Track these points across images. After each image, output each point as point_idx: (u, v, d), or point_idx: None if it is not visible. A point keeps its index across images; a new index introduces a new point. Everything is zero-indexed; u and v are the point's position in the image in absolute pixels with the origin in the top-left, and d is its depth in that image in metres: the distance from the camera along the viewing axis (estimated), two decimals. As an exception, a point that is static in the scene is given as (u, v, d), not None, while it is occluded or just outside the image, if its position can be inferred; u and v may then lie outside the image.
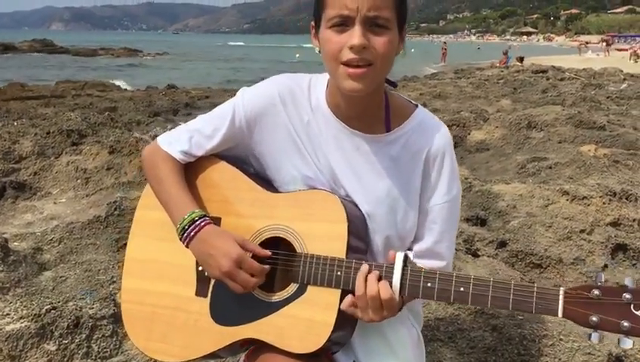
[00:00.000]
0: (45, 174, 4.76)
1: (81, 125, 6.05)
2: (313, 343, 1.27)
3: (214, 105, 1.52)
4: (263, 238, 1.38)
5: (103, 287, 2.80)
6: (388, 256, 1.28)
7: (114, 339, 2.43)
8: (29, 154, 5.26)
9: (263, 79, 1.46)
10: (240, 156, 1.48)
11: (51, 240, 3.47)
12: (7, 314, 2.38)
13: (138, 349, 1.51)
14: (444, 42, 49.71)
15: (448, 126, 1.44)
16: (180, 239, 1.36)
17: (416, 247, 1.42)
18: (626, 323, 1.06)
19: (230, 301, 1.36)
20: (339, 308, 1.27)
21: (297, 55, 48.42)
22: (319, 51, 1.30)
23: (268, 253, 1.32)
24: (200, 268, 1.40)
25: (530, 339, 2.43)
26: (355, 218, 1.33)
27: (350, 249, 1.30)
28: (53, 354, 2.29)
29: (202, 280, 1.41)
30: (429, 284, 1.22)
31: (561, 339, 2.41)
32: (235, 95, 1.45)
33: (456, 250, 1.95)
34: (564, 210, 3.80)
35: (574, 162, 5.12)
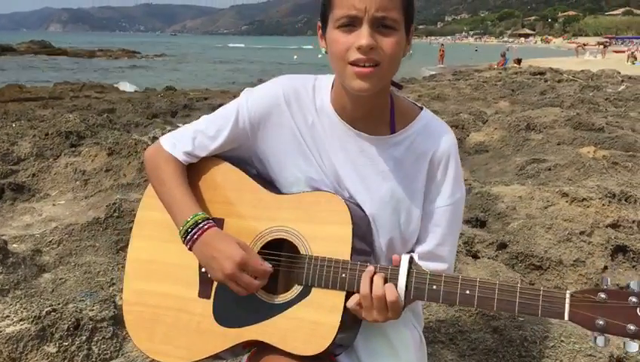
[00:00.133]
0: (44, 176, 4.75)
1: (80, 127, 6.05)
2: (318, 345, 1.27)
3: (213, 107, 1.52)
4: (267, 240, 1.37)
5: (102, 289, 2.79)
6: (393, 259, 1.27)
7: (114, 341, 2.42)
8: (27, 156, 5.26)
9: (261, 81, 1.45)
10: (243, 157, 1.48)
11: (50, 242, 3.46)
12: (7, 316, 2.37)
13: (139, 351, 1.50)
14: (442, 44, 49.78)
15: (447, 127, 1.44)
16: (183, 242, 1.36)
17: (419, 249, 1.42)
18: (632, 327, 1.06)
19: (233, 302, 1.35)
20: (344, 311, 1.27)
21: (295, 57, 48.49)
22: (325, 52, 1.29)
23: (268, 268, 1.31)
24: (203, 270, 1.40)
25: (532, 341, 2.42)
26: (359, 220, 1.33)
27: (355, 251, 1.29)
28: (54, 356, 2.28)
29: (205, 281, 1.41)
30: (434, 287, 1.22)
31: (562, 341, 2.40)
32: (233, 96, 1.45)
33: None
34: (564, 211, 3.80)
35: (573, 164, 5.13)
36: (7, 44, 50.12)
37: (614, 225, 3.71)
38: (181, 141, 1.45)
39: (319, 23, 1.31)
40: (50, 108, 10.69)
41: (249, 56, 58.36)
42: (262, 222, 1.39)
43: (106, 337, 2.41)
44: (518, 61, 29.05)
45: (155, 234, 1.50)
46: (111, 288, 2.83)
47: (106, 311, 2.48)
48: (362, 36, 1.18)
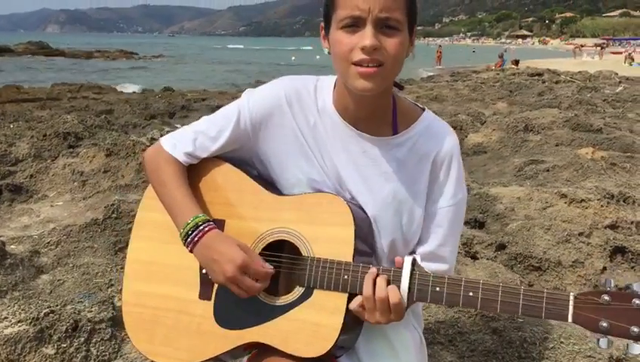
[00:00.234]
0: (42, 177, 4.73)
1: (78, 128, 6.04)
2: (320, 347, 1.26)
3: (211, 108, 1.52)
4: (268, 241, 1.37)
5: (101, 290, 2.78)
6: (395, 261, 1.27)
7: (113, 343, 2.41)
8: (25, 157, 5.25)
9: (259, 82, 1.45)
10: (244, 158, 1.47)
11: (48, 243, 3.46)
12: (5, 318, 2.36)
13: (138, 352, 1.49)
14: (439, 45, 49.85)
15: (446, 129, 1.43)
16: (184, 244, 1.35)
17: (420, 250, 1.41)
18: (635, 329, 1.06)
19: (234, 304, 1.35)
20: (346, 312, 1.26)
21: (293, 58, 48.51)
22: (329, 52, 1.29)
23: (270, 270, 1.31)
24: (203, 271, 1.39)
25: (531, 342, 2.42)
26: (361, 221, 1.32)
27: (357, 252, 1.29)
28: (52, 357, 2.27)
29: (206, 282, 1.40)
30: (437, 289, 1.22)
31: (562, 342, 2.40)
32: (231, 98, 1.44)
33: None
34: (563, 212, 3.80)
35: (572, 165, 5.14)
36: (5, 45, 50.01)
37: (613, 226, 3.72)
38: (182, 142, 1.44)
39: (322, 24, 1.31)
40: (48, 109, 10.67)
41: (247, 58, 58.35)
42: (263, 223, 1.38)
43: (105, 338, 2.40)
44: (516, 62, 29.11)
45: (156, 235, 1.49)
46: (109, 289, 2.82)
47: (105, 313, 2.47)
48: (366, 37, 1.18)
